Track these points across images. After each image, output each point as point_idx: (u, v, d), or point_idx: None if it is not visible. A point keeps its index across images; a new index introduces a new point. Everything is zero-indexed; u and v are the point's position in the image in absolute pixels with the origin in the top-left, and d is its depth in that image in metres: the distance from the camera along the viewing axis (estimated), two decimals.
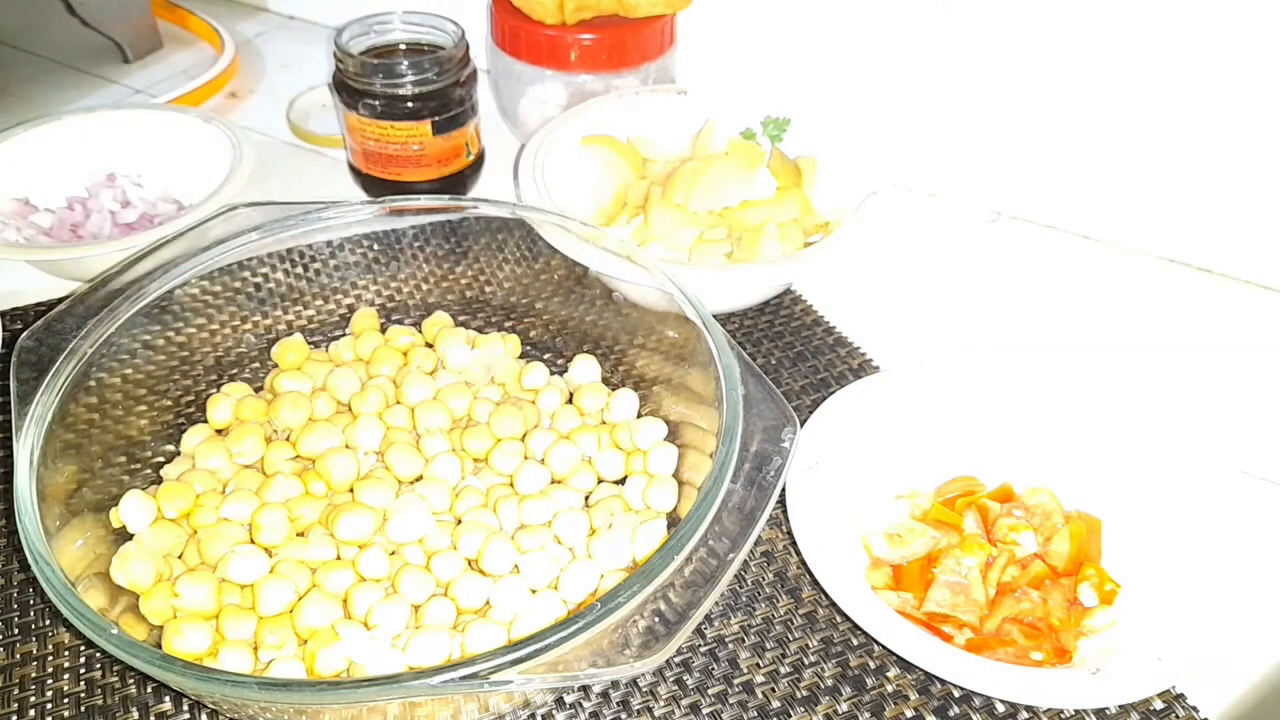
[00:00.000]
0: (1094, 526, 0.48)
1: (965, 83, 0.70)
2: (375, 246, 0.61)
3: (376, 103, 0.65)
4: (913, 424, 0.50)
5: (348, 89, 0.66)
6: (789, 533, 0.49)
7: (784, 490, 0.44)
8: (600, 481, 0.49)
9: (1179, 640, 0.41)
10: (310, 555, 0.43)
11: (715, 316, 0.45)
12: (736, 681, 0.44)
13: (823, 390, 0.57)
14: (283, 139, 0.80)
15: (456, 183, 0.71)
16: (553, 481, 0.48)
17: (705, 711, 0.43)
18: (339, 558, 0.43)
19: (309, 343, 0.55)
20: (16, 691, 0.43)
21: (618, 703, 0.43)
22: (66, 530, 0.40)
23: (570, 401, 0.53)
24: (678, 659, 0.45)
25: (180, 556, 0.44)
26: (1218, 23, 0.60)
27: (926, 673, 0.44)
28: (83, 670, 0.44)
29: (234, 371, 0.54)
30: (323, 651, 0.39)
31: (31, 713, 0.42)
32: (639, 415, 0.52)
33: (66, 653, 0.44)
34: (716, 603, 0.46)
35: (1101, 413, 0.50)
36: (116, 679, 0.43)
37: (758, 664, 0.45)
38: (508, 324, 0.59)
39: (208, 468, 0.47)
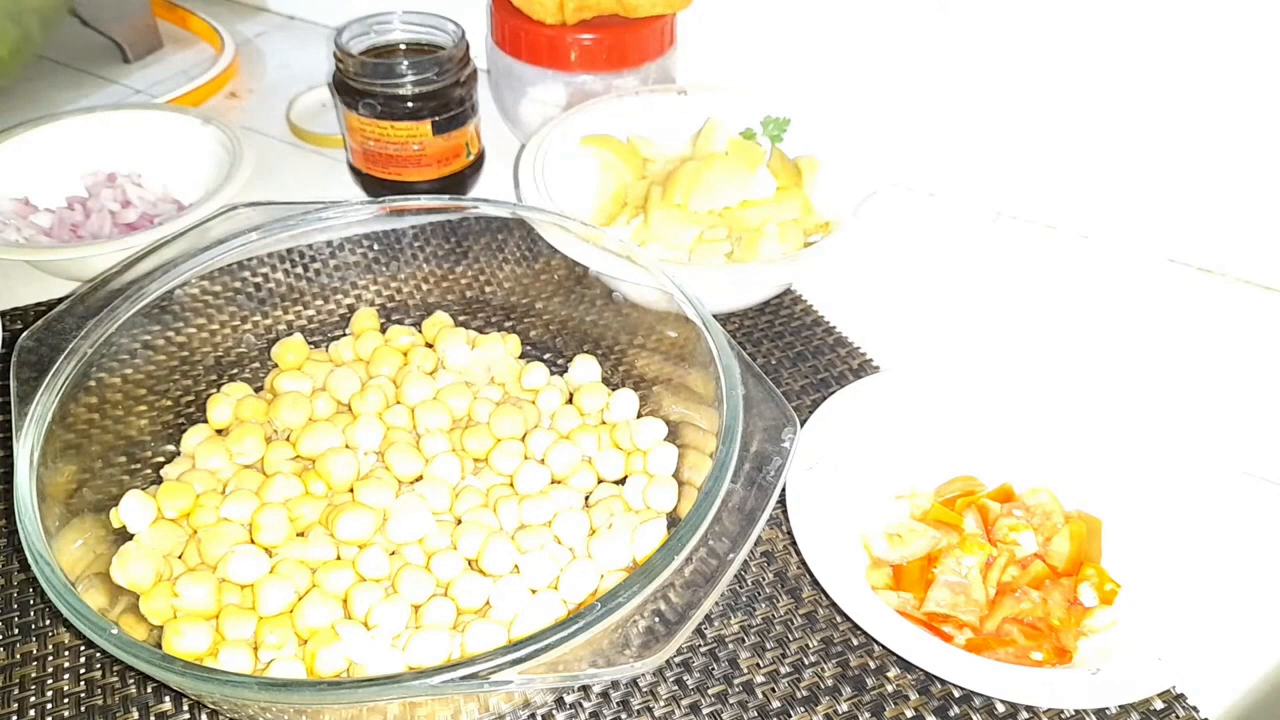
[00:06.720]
0: (1094, 526, 0.48)
1: (965, 82, 0.70)
2: (375, 246, 0.61)
3: (376, 103, 0.65)
4: (913, 424, 0.50)
5: (348, 89, 0.66)
6: (789, 533, 0.49)
7: (784, 490, 0.44)
8: (600, 481, 0.49)
9: (1179, 640, 0.41)
10: (310, 555, 0.43)
11: (715, 316, 0.45)
12: (736, 681, 0.44)
13: (823, 390, 0.57)
14: (283, 139, 0.80)
15: (456, 183, 0.71)
16: (553, 481, 0.48)
17: (705, 711, 0.43)
18: (339, 558, 0.43)
19: (309, 343, 0.55)
20: (16, 691, 0.43)
21: (618, 703, 0.43)
22: (66, 530, 0.40)
23: (570, 401, 0.53)
24: (678, 659, 0.45)
25: (180, 556, 0.44)
26: (1217, 22, 0.60)
27: (926, 673, 0.44)
28: (83, 670, 0.44)
29: (234, 371, 0.54)
30: (323, 651, 0.39)
31: (31, 713, 0.42)
32: (639, 415, 0.52)
33: (66, 653, 0.44)
34: (716, 603, 0.46)
35: (1101, 413, 0.50)
36: (116, 679, 0.43)
37: (758, 664, 0.45)
38: (508, 324, 0.59)
39: (208, 468, 0.47)
